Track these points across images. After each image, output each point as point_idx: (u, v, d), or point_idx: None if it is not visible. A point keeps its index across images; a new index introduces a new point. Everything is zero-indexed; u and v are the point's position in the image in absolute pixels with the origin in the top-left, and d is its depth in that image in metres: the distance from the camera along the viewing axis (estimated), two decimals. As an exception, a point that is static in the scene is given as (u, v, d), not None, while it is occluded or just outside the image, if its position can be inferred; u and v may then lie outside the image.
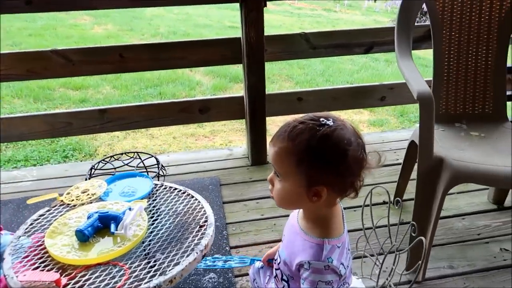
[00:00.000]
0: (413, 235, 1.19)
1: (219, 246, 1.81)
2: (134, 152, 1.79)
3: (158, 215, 1.06)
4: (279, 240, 1.92)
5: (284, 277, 0.95)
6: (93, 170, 1.69)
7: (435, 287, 1.59)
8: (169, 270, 0.85)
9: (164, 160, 2.60)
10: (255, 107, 2.34)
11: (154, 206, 1.13)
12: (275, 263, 1.04)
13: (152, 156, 1.76)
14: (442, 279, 1.63)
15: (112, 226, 0.96)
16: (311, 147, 0.79)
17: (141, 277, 0.85)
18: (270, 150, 0.86)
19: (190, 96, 4.58)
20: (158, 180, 1.71)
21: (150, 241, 0.97)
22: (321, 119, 0.81)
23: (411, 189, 2.11)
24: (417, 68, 1.63)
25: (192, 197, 1.13)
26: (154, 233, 1.00)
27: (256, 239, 1.87)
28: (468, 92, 1.84)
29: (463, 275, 1.64)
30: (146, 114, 2.42)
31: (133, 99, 4.42)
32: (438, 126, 1.77)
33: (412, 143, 1.81)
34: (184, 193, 1.16)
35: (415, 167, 1.95)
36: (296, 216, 0.96)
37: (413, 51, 1.81)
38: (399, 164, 2.41)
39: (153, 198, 1.14)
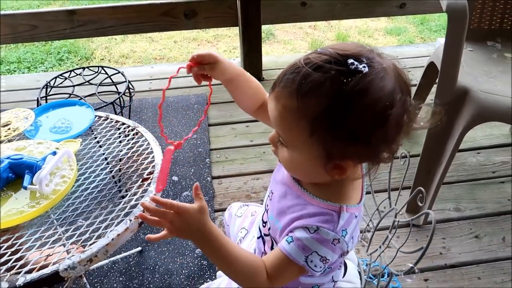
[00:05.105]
0: (420, 204, 0.95)
1: (199, 176, 1.62)
2: (98, 67, 1.51)
3: (94, 162, 0.83)
4: (268, 172, 1.73)
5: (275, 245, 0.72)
6: (48, 89, 1.43)
7: (437, 232, 1.42)
8: (89, 245, 0.65)
9: (147, 72, 2.32)
10: (248, 12, 1.98)
11: (89, 149, 0.88)
12: (264, 226, 0.80)
13: (119, 72, 1.48)
14: (446, 223, 1.45)
15: (26, 178, 0.74)
16: (334, 110, 0.54)
17: (51, 253, 0.65)
18: (271, 104, 0.60)
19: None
20: (129, 98, 1.46)
21: (75, 199, 0.75)
22: (350, 61, 0.54)
23: (422, 114, 1.85)
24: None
25: (142, 136, 0.89)
26: (83, 187, 0.77)
27: (242, 169, 1.67)
28: (510, 2, 1.47)
29: (470, 219, 1.46)
30: (122, 18, 2.09)
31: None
32: (466, 44, 1.43)
33: (431, 64, 1.50)
34: (132, 130, 0.91)
35: (431, 94, 1.67)
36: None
37: None
38: (413, 85, 2.11)
39: (92, 136, 0.90)
